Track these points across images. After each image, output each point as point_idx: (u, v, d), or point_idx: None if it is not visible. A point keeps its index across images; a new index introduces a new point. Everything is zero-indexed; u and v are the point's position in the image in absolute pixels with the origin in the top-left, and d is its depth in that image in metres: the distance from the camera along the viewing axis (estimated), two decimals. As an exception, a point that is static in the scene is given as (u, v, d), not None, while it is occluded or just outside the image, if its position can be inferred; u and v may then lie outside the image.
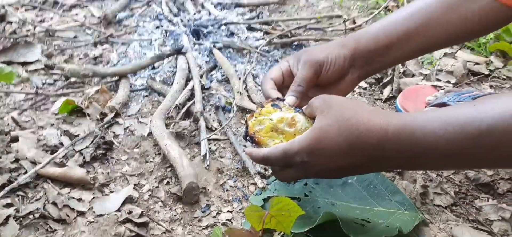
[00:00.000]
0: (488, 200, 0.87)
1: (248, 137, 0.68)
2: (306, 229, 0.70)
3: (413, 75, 1.27)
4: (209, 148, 0.97)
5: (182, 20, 1.58)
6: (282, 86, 0.74)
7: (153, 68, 1.30)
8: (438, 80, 1.22)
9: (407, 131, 0.54)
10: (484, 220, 0.83)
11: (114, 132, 1.02)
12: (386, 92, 1.20)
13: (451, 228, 0.80)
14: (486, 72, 1.24)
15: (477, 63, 1.28)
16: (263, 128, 0.67)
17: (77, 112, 1.07)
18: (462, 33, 0.71)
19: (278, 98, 0.69)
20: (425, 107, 1.03)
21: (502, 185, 0.90)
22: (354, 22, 1.62)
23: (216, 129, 1.03)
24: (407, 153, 0.55)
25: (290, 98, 0.69)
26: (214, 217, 0.81)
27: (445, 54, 1.33)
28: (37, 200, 0.80)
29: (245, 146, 0.99)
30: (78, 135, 0.98)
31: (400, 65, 1.29)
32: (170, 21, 1.60)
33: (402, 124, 0.55)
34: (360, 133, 0.56)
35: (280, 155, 0.61)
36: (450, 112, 0.54)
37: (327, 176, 0.68)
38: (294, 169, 0.62)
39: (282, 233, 0.74)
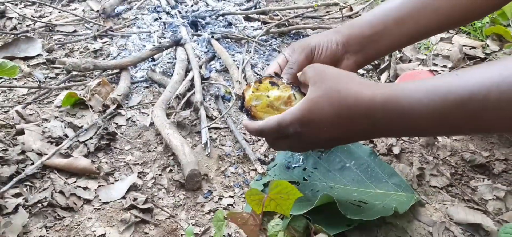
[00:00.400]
0: (483, 181, 0.89)
1: (244, 109, 0.71)
2: (304, 211, 0.73)
3: (410, 61, 1.29)
4: (210, 137, 0.99)
5: (180, 12, 1.60)
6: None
7: (153, 60, 1.32)
8: (435, 65, 1.24)
9: (393, 101, 0.56)
10: (479, 199, 0.85)
11: (116, 123, 1.04)
12: (383, 77, 1.22)
13: (447, 208, 0.83)
14: (482, 56, 1.26)
15: (473, 47, 1.29)
16: (260, 104, 0.69)
17: (79, 104, 1.09)
18: (453, 18, 0.73)
19: (276, 74, 0.72)
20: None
21: (497, 165, 0.92)
22: (351, 9, 1.63)
23: (216, 118, 1.05)
24: (394, 122, 0.57)
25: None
26: (216, 202, 0.84)
27: (442, 39, 1.34)
28: (44, 189, 0.83)
29: (245, 134, 1.02)
30: (81, 127, 1.00)
31: (396, 50, 1.31)
32: (168, 13, 1.61)
33: (389, 94, 0.57)
34: (349, 105, 0.59)
35: (274, 126, 0.64)
36: (435, 81, 0.55)
37: (320, 146, 0.69)
38: (289, 139, 0.65)
39: (282, 216, 0.76)
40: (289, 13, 1.63)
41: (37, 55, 1.34)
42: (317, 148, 0.81)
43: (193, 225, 0.78)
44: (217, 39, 1.38)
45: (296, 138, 0.64)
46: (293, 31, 1.48)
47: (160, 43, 1.35)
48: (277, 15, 1.60)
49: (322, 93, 0.60)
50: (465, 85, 0.51)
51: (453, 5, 0.71)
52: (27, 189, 0.82)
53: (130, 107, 1.11)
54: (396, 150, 0.95)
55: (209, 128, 1.01)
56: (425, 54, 1.29)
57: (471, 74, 0.52)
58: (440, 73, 1.17)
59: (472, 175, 0.91)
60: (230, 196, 0.85)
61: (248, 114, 0.70)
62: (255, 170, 0.91)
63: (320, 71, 0.62)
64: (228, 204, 0.83)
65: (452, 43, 1.32)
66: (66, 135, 0.98)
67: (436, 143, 0.98)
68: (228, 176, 0.90)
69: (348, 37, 0.74)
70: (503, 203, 0.84)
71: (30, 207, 0.78)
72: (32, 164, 0.88)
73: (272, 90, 0.70)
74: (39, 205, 0.79)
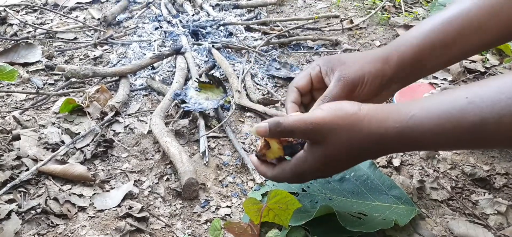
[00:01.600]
0: (484, 195, 0.88)
1: (257, 156, 0.68)
2: (303, 222, 0.71)
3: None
4: (208, 146, 0.98)
5: (181, 21, 1.60)
6: (311, 90, 0.73)
7: (153, 68, 1.32)
8: (435, 77, 1.24)
9: (405, 134, 0.56)
10: (480, 214, 0.84)
11: (114, 131, 1.03)
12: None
13: (448, 222, 0.81)
14: (482, 70, 1.25)
15: (473, 61, 1.29)
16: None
17: (77, 111, 1.08)
18: (499, 38, 0.69)
19: (288, 141, 0.64)
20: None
21: (498, 180, 0.91)
22: (351, 22, 1.63)
23: (215, 126, 1.04)
24: (408, 148, 0.62)
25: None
26: (213, 212, 0.82)
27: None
28: (38, 196, 0.81)
29: (243, 143, 1.01)
30: (78, 134, 0.99)
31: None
32: (169, 22, 1.62)
33: (400, 128, 0.56)
34: (362, 148, 0.59)
35: (289, 173, 0.64)
36: (443, 105, 0.54)
37: (333, 173, 0.71)
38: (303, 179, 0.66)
39: (280, 227, 0.75)
40: (290, 24, 1.63)
41: (37, 62, 1.34)
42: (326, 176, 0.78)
43: (189, 235, 0.77)
44: (218, 49, 1.38)
45: (310, 177, 0.66)
46: (294, 42, 1.48)
47: (160, 51, 1.35)
48: (278, 26, 1.60)
49: (331, 150, 0.59)
50: (476, 111, 0.51)
51: (503, 26, 0.66)
52: (21, 195, 0.81)
53: (129, 115, 1.10)
54: (396, 163, 0.94)
55: (207, 137, 1.00)
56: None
57: (481, 96, 0.51)
58: (440, 86, 1.17)
59: (473, 189, 0.90)
60: (227, 206, 0.84)
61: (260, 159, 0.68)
62: (253, 180, 0.90)
63: (319, 130, 0.58)
64: (225, 214, 0.82)
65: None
66: (62, 142, 0.97)
67: (436, 156, 0.97)
68: (226, 186, 0.89)
69: (397, 68, 0.68)
70: (505, 217, 0.83)
71: (23, 214, 0.77)
72: (27, 170, 0.86)
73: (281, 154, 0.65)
74: (33, 211, 0.77)
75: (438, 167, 0.95)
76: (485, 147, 0.57)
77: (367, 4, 1.83)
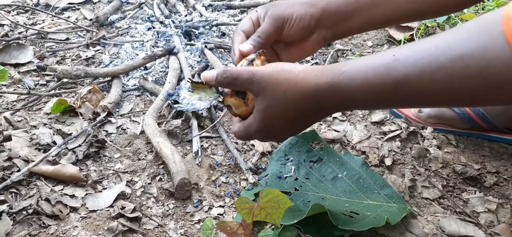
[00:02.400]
0: (475, 193, 0.89)
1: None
2: (295, 221, 0.72)
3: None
4: (201, 146, 0.98)
5: (173, 22, 1.59)
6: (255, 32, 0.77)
7: (145, 68, 1.31)
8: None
9: (337, 88, 0.59)
10: (471, 212, 0.85)
11: (106, 131, 1.03)
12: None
13: (439, 220, 0.82)
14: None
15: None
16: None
17: (69, 111, 1.08)
18: (425, 9, 0.74)
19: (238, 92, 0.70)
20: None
21: (488, 178, 0.92)
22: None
23: (208, 126, 1.04)
24: (340, 104, 0.63)
25: (246, 45, 0.72)
26: (206, 212, 0.82)
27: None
28: (30, 197, 0.81)
29: (236, 143, 1.01)
30: (70, 134, 0.98)
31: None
32: (161, 22, 1.61)
33: (331, 82, 0.59)
34: (297, 103, 0.61)
35: (242, 130, 0.69)
36: (374, 62, 0.58)
37: (279, 135, 0.72)
38: (252, 136, 0.69)
39: (273, 226, 0.75)
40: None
41: (28, 62, 1.33)
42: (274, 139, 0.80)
43: (182, 234, 0.77)
44: (211, 49, 1.38)
45: (258, 136, 0.68)
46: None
47: (153, 52, 1.34)
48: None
49: (270, 102, 0.62)
50: (400, 68, 0.54)
51: None
52: (12, 196, 0.80)
53: (121, 115, 1.10)
54: (388, 162, 0.95)
55: (200, 137, 1.00)
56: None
57: (406, 53, 0.54)
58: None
59: (464, 188, 0.90)
60: (220, 206, 0.84)
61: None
62: (246, 179, 0.90)
63: (258, 80, 0.62)
64: (218, 214, 0.82)
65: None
66: (54, 142, 0.96)
67: (428, 155, 0.98)
68: (219, 186, 0.89)
69: (323, 12, 0.73)
70: (495, 215, 0.83)
71: (14, 215, 0.76)
72: (18, 170, 0.86)
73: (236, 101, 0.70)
74: (24, 212, 0.77)
75: (430, 166, 0.95)
76: (408, 104, 0.60)
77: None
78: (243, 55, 0.71)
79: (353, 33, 0.79)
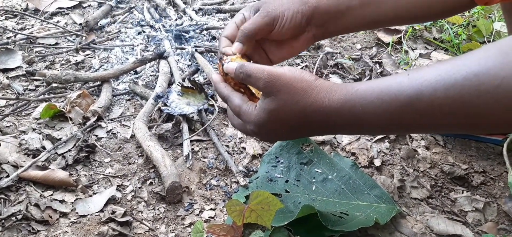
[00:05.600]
0: (462, 193, 0.90)
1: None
2: (286, 223, 0.72)
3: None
4: (192, 149, 0.98)
5: (164, 26, 1.59)
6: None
7: (136, 72, 1.31)
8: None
9: (348, 106, 0.57)
10: (459, 211, 0.86)
11: (96, 136, 1.02)
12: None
13: (427, 219, 0.83)
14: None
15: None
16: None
17: (59, 116, 1.07)
18: (413, 13, 0.75)
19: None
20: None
21: (476, 178, 0.93)
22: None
23: (198, 130, 1.04)
24: (350, 123, 0.59)
25: (235, 45, 0.70)
26: (197, 215, 0.82)
27: (421, 55, 1.37)
28: (19, 202, 0.80)
29: (227, 146, 1.01)
30: (60, 139, 0.98)
31: (377, 65, 1.33)
32: (152, 27, 1.61)
33: (343, 100, 0.58)
34: (307, 115, 0.59)
35: (236, 109, 0.64)
36: (388, 82, 0.57)
37: (278, 140, 0.72)
38: (246, 128, 0.66)
39: (263, 228, 0.76)
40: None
41: (17, 67, 1.32)
42: (270, 140, 0.79)
43: (173, 238, 0.77)
44: (201, 53, 1.38)
45: (252, 132, 0.65)
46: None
47: (143, 56, 1.34)
48: (261, 30, 1.61)
49: (279, 107, 0.60)
50: (413, 85, 0.52)
51: (412, 2, 0.73)
52: (1, 202, 0.80)
53: (111, 120, 1.09)
54: (377, 163, 0.96)
55: (191, 140, 1.00)
56: (404, 69, 1.31)
57: (421, 73, 0.53)
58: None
59: (452, 187, 0.92)
60: (211, 209, 0.84)
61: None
62: (237, 182, 0.90)
63: (273, 82, 0.60)
64: (209, 217, 0.82)
65: (431, 59, 1.35)
66: (43, 147, 0.96)
67: (416, 155, 0.99)
68: (210, 189, 0.89)
69: (314, 10, 0.73)
70: (482, 214, 0.85)
71: (3, 221, 0.76)
72: (7, 176, 0.85)
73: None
74: (13, 218, 0.76)
75: (418, 167, 0.97)
76: (421, 126, 0.57)
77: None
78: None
79: (342, 32, 0.80)
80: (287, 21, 0.71)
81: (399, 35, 1.45)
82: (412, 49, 1.40)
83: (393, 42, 1.41)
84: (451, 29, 1.43)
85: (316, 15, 0.73)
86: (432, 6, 0.75)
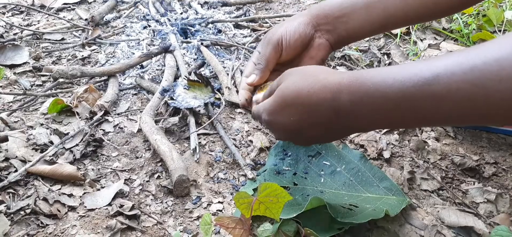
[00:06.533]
0: (474, 184, 0.89)
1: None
2: (294, 215, 0.72)
3: (399, 67, 1.29)
4: (199, 143, 0.98)
5: (169, 20, 1.59)
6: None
7: (142, 67, 1.31)
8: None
9: (358, 82, 0.56)
10: (470, 202, 0.85)
11: (103, 130, 1.02)
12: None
13: (438, 211, 0.82)
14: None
15: (460, 53, 1.30)
16: None
17: (66, 111, 1.07)
18: (421, 12, 0.73)
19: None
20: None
21: (487, 169, 0.92)
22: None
23: (205, 123, 1.04)
24: (360, 104, 0.56)
25: (251, 77, 0.73)
26: (205, 208, 0.82)
27: (430, 45, 1.35)
28: (28, 197, 0.80)
29: (234, 139, 1.00)
30: (67, 134, 0.98)
31: (385, 57, 1.31)
32: (157, 21, 1.60)
33: (354, 77, 0.56)
34: (315, 91, 0.58)
35: (255, 111, 0.70)
36: (401, 66, 0.55)
37: (292, 139, 0.68)
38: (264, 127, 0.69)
39: (272, 220, 0.75)
40: (279, 20, 1.63)
41: (24, 63, 1.32)
42: (291, 141, 0.74)
43: (181, 231, 0.76)
44: (207, 46, 1.38)
45: (267, 126, 0.67)
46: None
47: (149, 50, 1.34)
48: (267, 23, 1.60)
49: (289, 84, 0.61)
50: (430, 67, 0.50)
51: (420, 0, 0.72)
52: (9, 197, 0.80)
53: (118, 114, 1.09)
54: (386, 155, 0.95)
55: (198, 134, 1.00)
56: (413, 60, 1.29)
57: (437, 59, 0.51)
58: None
59: (463, 179, 0.90)
60: (219, 202, 0.83)
61: None
62: (245, 175, 0.90)
63: (287, 71, 0.64)
64: (217, 210, 0.82)
65: (440, 50, 1.33)
66: (51, 142, 0.96)
67: (426, 147, 0.98)
68: (218, 182, 0.89)
69: (317, 17, 0.74)
70: (494, 205, 0.84)
71: (12, 215, 0.76)
72: (16, 171, 0.85)
73: None
74: (22, 212, 0.76)
75: (428, 158, 0.95)
76: (436, 113, 0.52)
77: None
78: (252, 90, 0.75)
79: (358, 37, 0.78)
80: (292, 35, 0.72)
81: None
82: (421, 40, 1.39)
83: (401, 32, 1.39)
84: (461, 18, 1.40)
85: (320, 19, 0.74)
86: (438, 2, 0.73)
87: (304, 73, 0.61)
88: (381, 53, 1.33)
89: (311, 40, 0.74)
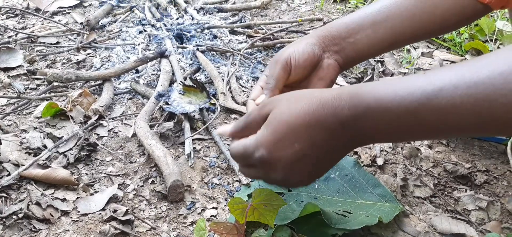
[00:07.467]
0: (466, 191, 0.90)
1: None
2: (289, 221, 0.72)
3: (392, 74, 1.30)
4: (194, 148, 0.98)
5: (165, 25, 1.59)
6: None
7: (137, 71, 1.31)
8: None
9: (358, 96, 0.52)
10: (462, 210, 0.85)
11: (98, 134, 1.02)
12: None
13: (431, 218, 0.83)
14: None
15: (453, 62, 1.32)
16: None
17: (60, 115, 1.07)
18: (428, 28, 0.73)
19: None
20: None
21: (479, 176, 0.93)
22: (335, 24, 1.65)
23: (200, 128, 1.04)
24: (363, 119, 0.52)
25: (261, 97, 0.70)
26: (199, 213, 0.82)
27: (423, 54, 1.37)
28: (20, 201, 0.80)
29: (229, 145, 1.01)
30: (61, 138, 0.97)
31: (379, 64, 1.32)
32: (153, 26, 1.61)
33: (353, 91, 0.53)
34: (316, 108, 0.54)
35: (241, 151, 0.58)
36: (403, 79, 0.53)
37: (295, 176, 0.58)
38: (256, 168, 0.58)
39: (266, 226, 0.75)
40: (274, 27, 1.64)
41: (18, 66, 1.32)
42: (291, 179, 0.60)
43: (174, 236, 0.76)
44: (202, 52, 1.38)
45: (263, 166, 0.56)
46: (278, 45, 1.49)
47: (145, 55, 1.34)
48: (262, 29, 1.61)
49: (283, 109, 0.55)
50: (433, 81, 0.49)
51: (429, 14, 0.72)
52: (2, 201, 0.79)
53: (113, 118, 1.09)
54: (380, 161, 0.96)
55: (193, 139, 1.00)
56: (407, 68, 1.31)
57: (439, 72, 0.50)
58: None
59: (455, 186, 0.91)
60: (213, 207, 0.83)
61: None
62: (239, 181, 0.90)
63: (274, 98, 0.58)
64: (211, 216, 0.82)
65: (433, 58, 1.35)
66: (45, 146, 0.95)
67: (419, 154, 0.99)
68: (212, 187, 0.89)
69: (324, 38, 0.73)
70: (486, 213, 0.84)
71: (4, 219, 0.75)
72: (8, 175, 0.85)
73: None
74: (14, 216, 0.76)
75: (421, 165, 0.96)
76: (439, 128, 0.51)
77: (349, 7, 1.85)
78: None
79: (366, 57, 0.76)
80: (300, 55, 0.71)
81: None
82: (414, 48, 1.40)
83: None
84: (453, 27, 1.42)
85: (327, 40, 0.73)
86: (446, 18, 0.73)
87: (292, 95, 0.57)
88: (375, 60, 1.34)
89: (319, 60, 0.73)
